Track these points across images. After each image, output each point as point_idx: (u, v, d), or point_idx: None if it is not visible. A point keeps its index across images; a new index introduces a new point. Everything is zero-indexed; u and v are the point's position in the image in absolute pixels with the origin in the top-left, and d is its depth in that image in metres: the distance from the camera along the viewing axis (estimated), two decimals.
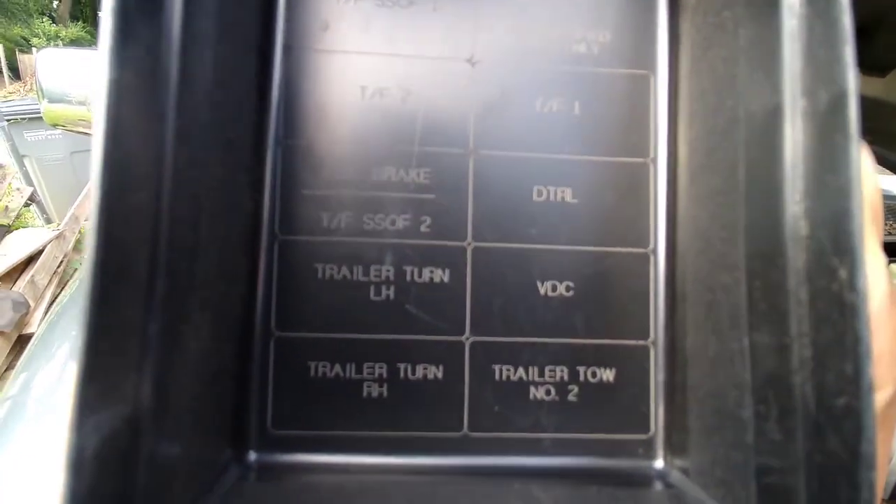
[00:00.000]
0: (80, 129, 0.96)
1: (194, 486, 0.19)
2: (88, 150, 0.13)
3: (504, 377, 0.24)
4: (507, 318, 0.24)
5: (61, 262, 2.44)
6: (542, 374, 0.24)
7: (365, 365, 0.24)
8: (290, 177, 0.24)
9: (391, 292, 0.24)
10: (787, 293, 0.17)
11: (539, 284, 0.24)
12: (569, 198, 0.25)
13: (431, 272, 0.24)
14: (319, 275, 0.24)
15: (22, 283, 2.14)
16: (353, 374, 0.23)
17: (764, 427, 0.18)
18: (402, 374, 0.24)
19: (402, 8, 0.24)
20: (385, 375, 0.24)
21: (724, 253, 0.20)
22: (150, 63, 0.15)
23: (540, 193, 0.25)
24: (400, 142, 0.24)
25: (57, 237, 2.44)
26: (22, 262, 2.23)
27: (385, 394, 0.24)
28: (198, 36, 0.17)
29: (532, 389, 0.24)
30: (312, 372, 0.23)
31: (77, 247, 2.65)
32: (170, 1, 0.16)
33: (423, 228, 0.24)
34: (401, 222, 0.24)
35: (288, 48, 0.24)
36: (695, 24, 0.23)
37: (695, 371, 0.22)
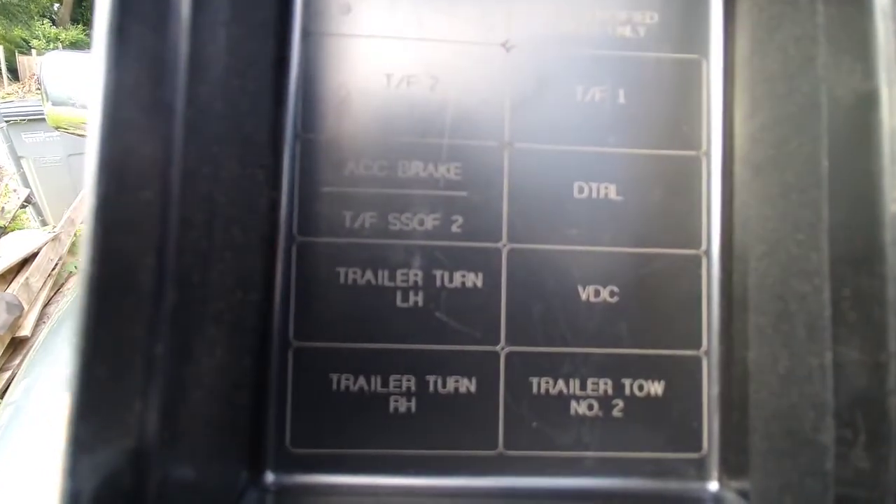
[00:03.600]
0: (82, 132, 0.97)
1: None
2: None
3: (542, 390, 0.22)
4: (546, 327, 0.22)
5: (56, 264, 2.42)
6: (584, 387, 0.22)
7: (391, 377, 0.22)
8: (309, 173, 0.22)
9: (419, 298, 0.22)
10: (884, 304, 0.15)
11: (580, 289, 0.22)
12: (613, 195, 0.23)
13: (463, 276, 0.22)
14: (341, 279, 0.22)
15: (16, 286, 2.12)
16: (379, 388, 0.22)
17: (848, 454, 0.17)
18: (431, 388, 0.22)
19: None
20: (413, 389, 0.22)
21: (801, 257, 0.18)
22: (157, 43, 0.13)
23: (581, 190, 0.23)
24: (428, 134, 0.22)
25: (52, 239, 2.42)
26: (17, 264, 2.21)
27: (413, 409, 0.22)
28: (209, 13, 0.15)
29: (573, 404, 0.22)
30: (334, 385, 0.21)
31: (72, 249, 2.63)
32: None
33: (454, 229, 0.22)
34: (430, 222, 0.22)
35: (307, 33, 0.22)
36: (757, 2, 0.21)
37: (760, 387, 0.20)
